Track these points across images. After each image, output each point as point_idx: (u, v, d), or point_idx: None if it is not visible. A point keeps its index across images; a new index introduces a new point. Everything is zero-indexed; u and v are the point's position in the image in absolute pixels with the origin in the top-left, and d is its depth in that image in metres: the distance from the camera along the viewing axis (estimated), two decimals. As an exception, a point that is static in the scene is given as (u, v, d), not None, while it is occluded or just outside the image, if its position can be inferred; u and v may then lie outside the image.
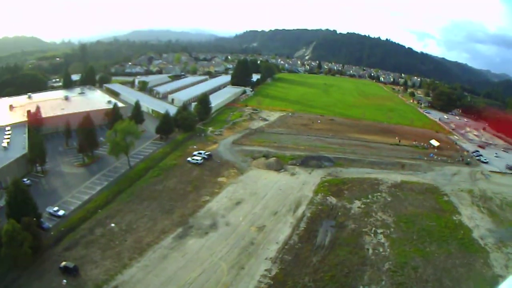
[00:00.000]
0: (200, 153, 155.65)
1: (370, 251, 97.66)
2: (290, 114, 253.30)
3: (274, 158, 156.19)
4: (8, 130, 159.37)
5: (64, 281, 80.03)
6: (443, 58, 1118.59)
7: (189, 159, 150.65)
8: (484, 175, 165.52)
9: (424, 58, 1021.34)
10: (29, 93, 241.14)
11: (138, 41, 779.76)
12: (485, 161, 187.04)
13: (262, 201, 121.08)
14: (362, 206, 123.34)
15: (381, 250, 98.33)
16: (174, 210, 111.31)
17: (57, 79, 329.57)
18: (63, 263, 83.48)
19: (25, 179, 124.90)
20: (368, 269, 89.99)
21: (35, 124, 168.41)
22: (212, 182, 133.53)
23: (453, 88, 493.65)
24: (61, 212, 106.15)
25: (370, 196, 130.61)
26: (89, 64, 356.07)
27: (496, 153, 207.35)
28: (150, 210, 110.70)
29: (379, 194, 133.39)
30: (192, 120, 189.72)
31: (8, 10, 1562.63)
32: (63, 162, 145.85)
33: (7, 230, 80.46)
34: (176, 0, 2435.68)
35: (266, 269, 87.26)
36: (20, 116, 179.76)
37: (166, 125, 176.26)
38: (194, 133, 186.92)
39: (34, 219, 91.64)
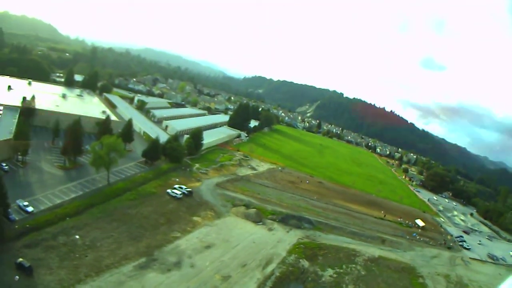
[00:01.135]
0: (181, 188, 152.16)
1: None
2: (280, 168, 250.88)
3: (255, 209, 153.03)
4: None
5: (17, 277, 77.42)
6: (443, 139, 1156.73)
7: (169, 191, 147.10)
8: (463, 262, 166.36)
9: (425, 136, 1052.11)
10: (30, 80, 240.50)
11: (149, 59, 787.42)
12: (467, 247, 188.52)
13: (233, 251, 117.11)
14: (334, 275, 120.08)
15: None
16: (142, 239, 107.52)
17: (61, 74, 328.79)
18: (20, 260, 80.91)
19: (3, 164, 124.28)
20: None
21: (27, 113, 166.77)
22: (187, 219, 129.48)
23: (448, 170, 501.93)
24: (30, 208, 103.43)
25: (344, 266, 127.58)
26: (94, 69, 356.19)
27: (480, 241, 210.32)
28: (118, 233, 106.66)
29: (354, 265, 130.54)
30: (181, 152, 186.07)
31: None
32: (45, 159, 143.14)
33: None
34: (194, 30, 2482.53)
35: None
36: (15, 100, 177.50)
37: (153, 150, 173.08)
38: (179, 166, 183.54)
39: (1, 208, 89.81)
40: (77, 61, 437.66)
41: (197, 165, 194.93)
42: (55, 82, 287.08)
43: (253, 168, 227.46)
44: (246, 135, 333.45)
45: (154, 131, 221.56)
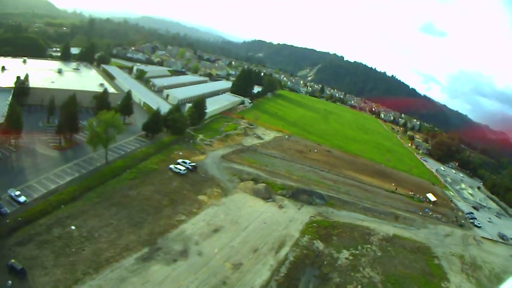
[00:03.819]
0: (185, 162, 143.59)
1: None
2: (286, 136, 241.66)
3: (264, 184, 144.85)
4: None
5: (9, 282, 70.33)
6: (444, 105, 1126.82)
7: (171, 166, 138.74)
8: (476, 241, 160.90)
9: (426, 101, 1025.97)
10: (25, 58, 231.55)
11: (147, 27, 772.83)
12: (478, 225, 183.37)
13: (243, 233, 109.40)
14: (350, 257, 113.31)
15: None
16: (144, 225, 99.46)
17: (57, 49, 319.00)
18: (11, 261, 73.27)
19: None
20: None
21: (20, 93, 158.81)
22: (192, 199, 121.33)
23: (452, 138, 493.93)
24: (22, 198, 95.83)
25: (359, 247, 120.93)
26: (92, 40, 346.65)
27: (489, 218, 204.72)
28: (117, 219, 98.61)
29: (369, 246, 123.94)
30: (183, 124, 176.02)
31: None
32: (39, 140, 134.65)
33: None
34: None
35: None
36: (9, 80, 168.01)
37: (154, 123, 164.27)
38: (182, 138, 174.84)
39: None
40: (75, 34, 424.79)
41: (200, 136, 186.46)
42: (51, 57, 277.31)
43: (259, 137, 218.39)
44: (250, 101, 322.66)
45: (154, 102, 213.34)
